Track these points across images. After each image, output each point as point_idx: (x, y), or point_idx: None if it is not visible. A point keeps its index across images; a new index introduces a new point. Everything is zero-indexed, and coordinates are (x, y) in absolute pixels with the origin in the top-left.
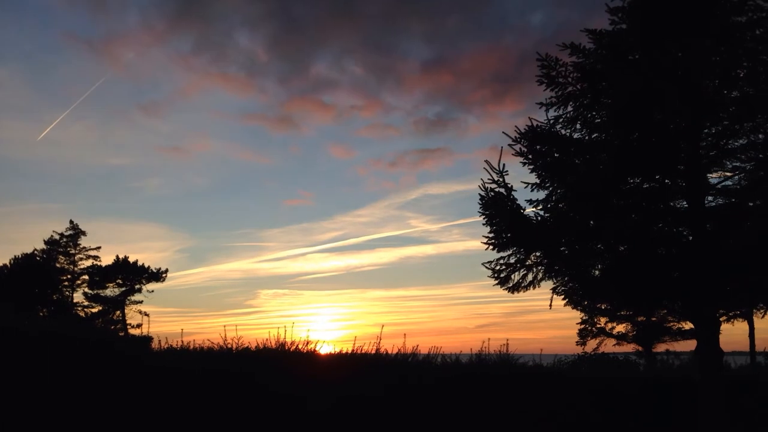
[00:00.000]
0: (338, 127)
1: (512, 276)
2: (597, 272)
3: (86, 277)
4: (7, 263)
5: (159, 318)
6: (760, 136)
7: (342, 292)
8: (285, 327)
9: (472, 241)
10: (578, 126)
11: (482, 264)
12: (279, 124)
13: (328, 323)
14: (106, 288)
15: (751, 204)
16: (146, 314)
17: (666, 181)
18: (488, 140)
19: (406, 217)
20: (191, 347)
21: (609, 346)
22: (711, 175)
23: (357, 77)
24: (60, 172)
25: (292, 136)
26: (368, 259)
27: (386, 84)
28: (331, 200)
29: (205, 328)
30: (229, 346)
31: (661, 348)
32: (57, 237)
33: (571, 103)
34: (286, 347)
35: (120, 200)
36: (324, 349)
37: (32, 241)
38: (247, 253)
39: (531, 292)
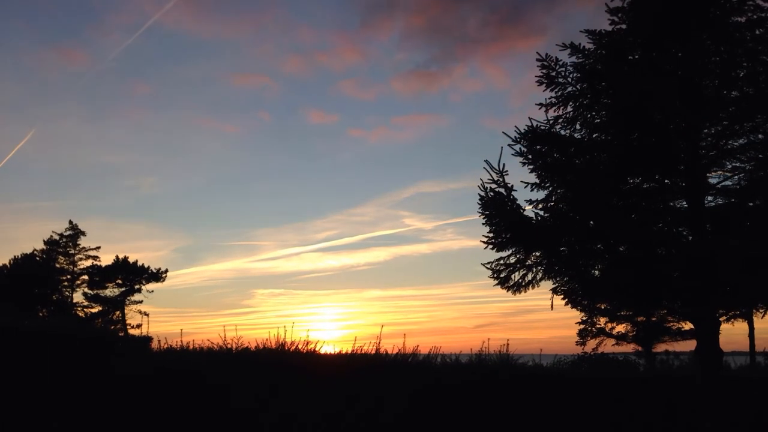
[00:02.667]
0: (310, 81)
1: (512, 276)
2: (597, 272)
3: (86, 277)
4: (7, 263)
5: (156, 318)
6: (760, 136)
7: (338, 292)
8: (285, 327)
9: (467, 239)
10: (578, 126)
11: (482, 264)
12: (237, 77)
13: (326, 323)
14: (106, 288)
15: (751, 204)
16: (146, 314)
17: (666, 181)
18: (486, 99)
19: (400, 216)
20: (191, 347)
21: (609, 346)
22: (711, 175)
23: (332, 12)
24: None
25: (257, 92)
26: (363, 259)
27: (370, 19)
28: (307, 186)
29: (203, 328)
30: (229, 346)
31: (660, 348)
32: (56, 237)
33: (570, 103)
34: (286, 347)
35: (109, 198)
36: (324, 350)
37: (22, 240)
38: (240, 252)
39: (529, 291)
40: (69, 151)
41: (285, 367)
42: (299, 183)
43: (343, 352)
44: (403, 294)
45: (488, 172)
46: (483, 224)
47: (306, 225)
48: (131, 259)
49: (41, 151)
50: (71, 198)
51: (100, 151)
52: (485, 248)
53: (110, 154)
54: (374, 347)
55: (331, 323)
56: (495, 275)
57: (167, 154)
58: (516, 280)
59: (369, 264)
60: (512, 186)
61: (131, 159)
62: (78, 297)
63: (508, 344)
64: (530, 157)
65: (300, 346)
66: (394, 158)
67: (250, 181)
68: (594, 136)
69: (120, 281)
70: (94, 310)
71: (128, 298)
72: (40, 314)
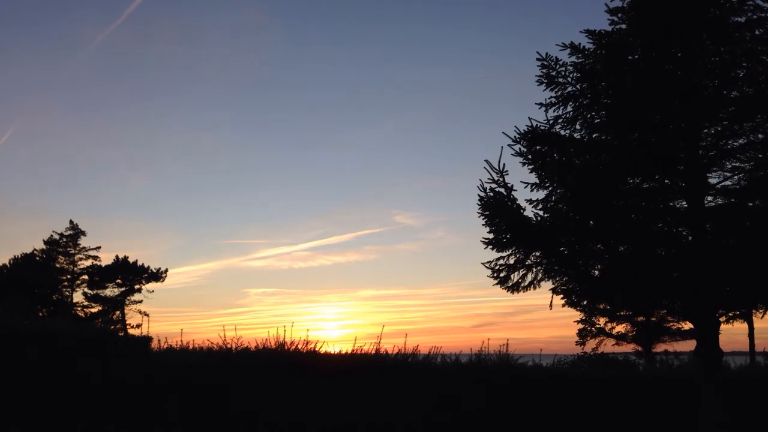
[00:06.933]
0: None
1: (512, 276)
2: (597, 272)
3: (86, 277)
4: (7, 263)
5: (152, 317)
6: (760, 136)
7: (331, 291)
8: (284, 327)
9: (459, 238)
10: (578, 126)
11: (482, 263)
12: None
13: (322, 323)
14: (106, 288)
15: (750, 204)
16: (146, 314)
17: (666, 181)
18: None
19: (392, 213)
20: (191, 347)
21: (608, 346)
22: (711, 175)
23: None
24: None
25: None
26: (355, 257)
27: None
28: (296, 184)
29: (199, 328)
30: (229, 346)
31: (660, 348)
32: (57, 237)
33: (570, 103)
34: (286, 347)
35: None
36: (324, 350)
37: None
38: (231, 251)
39: (527, 291)
40: (57, 148)
41: (285, 367)
42: (288, 181)
43: (343, 352)
44: (398, 293)
45: (488, 172)
46: (483, 225)
47: (296, 224)
48: (131, 259)
49: (30, 149)
50: (58, 197)
51: (89, 147)
52: (485, 248)
53: (100, 150)
54: (374, 347)
55: (328, 323)
56: (495, 275)
57: (158, 150)
58: (516, 280)
59: (361, 263)
60: (512, 186)
61: (121, 155)
62: (78, 297)
63: (507, 344)
64: (530, 157)
65: (300, 346)
66: (385, 154)
67: (239, 180)
68: (594, 136)
69: (120, 281)
70: (94, 310)
71: (128, 297)
72: (40, 314)
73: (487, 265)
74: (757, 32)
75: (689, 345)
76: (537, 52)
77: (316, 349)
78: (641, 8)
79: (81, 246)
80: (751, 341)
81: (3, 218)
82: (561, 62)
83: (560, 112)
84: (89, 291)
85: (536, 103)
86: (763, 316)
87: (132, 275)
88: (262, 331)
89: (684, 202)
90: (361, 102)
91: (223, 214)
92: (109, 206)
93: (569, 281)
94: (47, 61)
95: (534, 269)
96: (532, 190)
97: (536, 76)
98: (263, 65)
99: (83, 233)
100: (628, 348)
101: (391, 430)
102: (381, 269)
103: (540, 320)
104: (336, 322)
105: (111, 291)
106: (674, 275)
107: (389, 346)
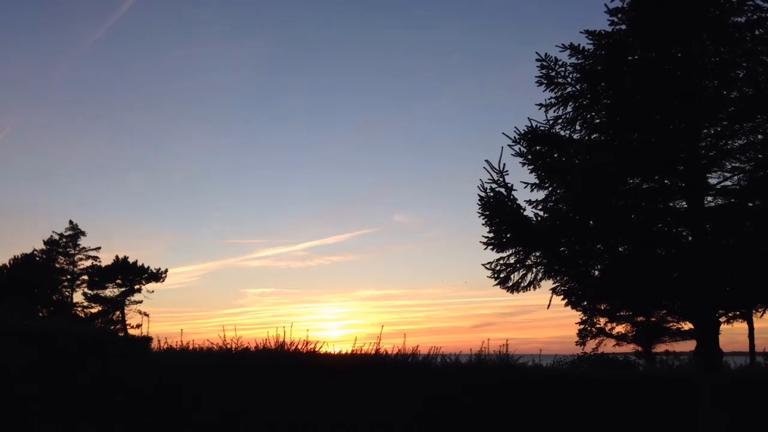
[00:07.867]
0: None
1: (512, 276)
2: (597, 272)
3: (86, 277)
4: (7, 263)
5: (152, 317)
6: (760, 136)
7: (330, 291)
8: (284, 327)
9: (457, 238)
10: (578, 126)
11: (482, 264)
12: None
13: (321, 323)
14: (106, 288)
15: (750, 204)
16: (146, 314)
17: (666, 181)
18: None
19: (390, 213)
20: (191, 348)
21: (608, 346)
22: (710, 175)
23: None
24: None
25: None
26: (354, 257)
27: None
28: (294, 184)
29: (198, 328)
30: (229, 346)
31: (660, 348)
32: (56, 237)
33: (570, 103)
34: (286, 347)
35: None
36: (323, 350)
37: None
38: (229, 251)
39: (527, 291)
40: (57, 148)
41: (285, 368)
42: (287, 181)
43: (343, 352)
44: (397, 293)
45: (488, 172)
46: (483, 224)
47: (295, 223)
48: (131, 259)
49: (30, 148)
50: (58, 197)
51: (89, 146)
52: (485, 248)
53: (100, 150)
54: (374, 347)
55: (327, 323)
56: (495, 275)
57: (155, 150)
58: (516, 280)
59: (360, 263)
60: (512, 186)
61: (121, 155)
62: (78, 297)
63: (507, 344)
64: (530, 157)
65: (300, 347)
66: (383, 154)
67: (238, 179)
68: (594, 136)
69: (120, 281)
70: (93, 311)
71: (128, 298)
72: (40, 314)
73: (488, 266)
74: (757, 32)
75: (689, 345)
76: (536, 53)
77: (316, 349)
78: (641, 8)
79: (81, 246)
80: (751, 341)
81: (3, 218)
82: (561, 63)
83: (560, 113)
84: (89, 291)
85: (536, 104)
86: (761, 315)
87: (132, 275)
88: (262, 332)
89: (684, 202)
90: (359, 102)
91: (222, 213)
92: (109, 206)
93: (569, 281)
94: (46, 58)
95: (534, 269)
96: (532, 190)
97: (536, 76)
98: (262, 64)
99: (83, 233)
100: (628, 348)
101: (391, 430)
102: (380, 269)
103: (540, 320)
104: (335, 322)
105: (111, 291)
106: (674, 275)
107: (389, 346)
